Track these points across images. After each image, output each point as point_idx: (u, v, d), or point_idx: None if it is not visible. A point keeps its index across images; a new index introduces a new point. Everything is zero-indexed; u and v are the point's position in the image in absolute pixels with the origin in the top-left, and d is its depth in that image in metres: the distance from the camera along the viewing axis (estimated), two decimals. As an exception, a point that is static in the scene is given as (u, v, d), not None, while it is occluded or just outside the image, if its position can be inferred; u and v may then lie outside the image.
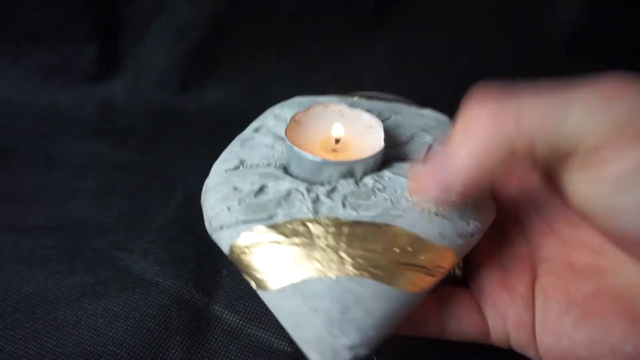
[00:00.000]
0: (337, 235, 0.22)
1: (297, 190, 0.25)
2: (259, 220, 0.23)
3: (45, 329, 0.32)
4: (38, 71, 0.49)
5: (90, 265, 0.36)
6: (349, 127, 0.28)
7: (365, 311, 0.21)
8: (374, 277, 0.21)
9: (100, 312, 0.33)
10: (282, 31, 0.52)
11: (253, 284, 0.23)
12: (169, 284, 0.35)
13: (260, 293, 0.22)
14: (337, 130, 0.28)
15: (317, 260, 0.22)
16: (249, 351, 0.31)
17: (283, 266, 0.22)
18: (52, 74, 0.49)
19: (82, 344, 0.31)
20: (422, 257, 0.22)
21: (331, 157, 0.26)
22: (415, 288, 0.22)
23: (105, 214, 0.41)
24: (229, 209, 0.24)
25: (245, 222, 0.24)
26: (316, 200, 0.24)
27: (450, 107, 0.54)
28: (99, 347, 0.31)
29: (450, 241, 0.23)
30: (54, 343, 0.31)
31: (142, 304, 0.34)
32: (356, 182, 0.25)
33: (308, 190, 0.25)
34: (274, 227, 0.23)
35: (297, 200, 0.24)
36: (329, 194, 0.24)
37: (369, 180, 0.25)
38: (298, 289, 0.21)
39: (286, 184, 0.25)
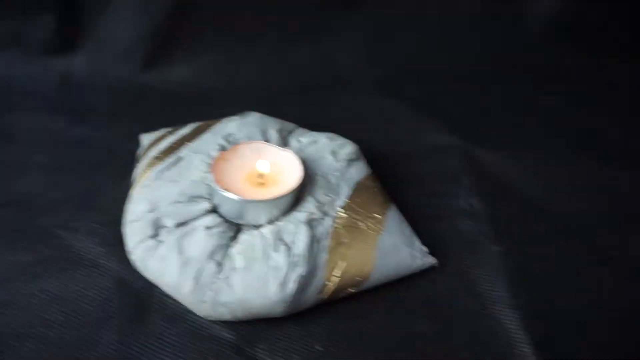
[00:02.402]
0: None
1: None
2: None
3: (-24, 308, 0.30)
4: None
5: (32, 244, 0.35)
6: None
7: None
8: None
9: (35, 292, 0.32)
10: (254, 8, 0.50)
11: None
12: (112, 265, 0.34)
13: None
14: (263, 165, 0.35)
15: None
16: (188, 336, 0.30)
17: None
18: (7, 46, 0.46)
19: (12, 324, 0.30)
20: None
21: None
22: None
23: (55, 191, 0.39)
24: None
25: None
26: None
27: (417, 91, 0.52)
28: (28, 329, 0.29)
29: None
30: (-17, 322, 0.30)
31: (81, 285, 0.32)
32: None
33: None
34: None
35: None
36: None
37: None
38: None
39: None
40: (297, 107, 0.50)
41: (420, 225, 0.38)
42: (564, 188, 0.42)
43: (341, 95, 0.52)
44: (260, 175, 0.34)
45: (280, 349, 0.30)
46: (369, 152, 0.43)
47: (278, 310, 0.30)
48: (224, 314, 0.30)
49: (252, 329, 0.31)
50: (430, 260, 0.34)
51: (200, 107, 0.49)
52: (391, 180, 0.42)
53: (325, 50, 0.53)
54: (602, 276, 0.35)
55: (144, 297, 0.32)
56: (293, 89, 0.52)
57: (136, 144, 0.43)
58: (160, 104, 0.49)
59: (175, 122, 0.47)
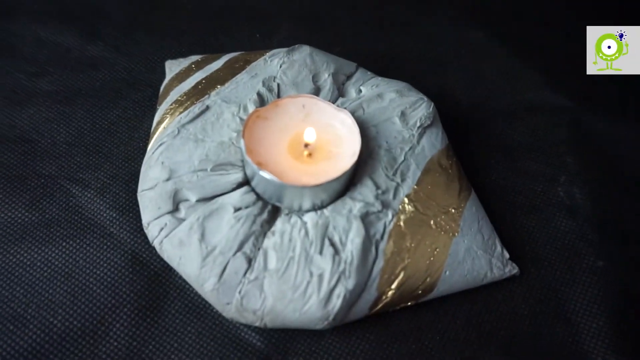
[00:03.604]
0: None
1: None
2: None
3: (-26, 274, 0.27)
4: None
5: (35, 198, 0.29)
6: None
7: None
8: None
9: (38, 263, 0.27)
10: None
11: None
12: (125, 237, 0.28)
13: None
14: (309, 135, 0.26)
15: None
16: (210, 337, 0.26)
17: None
18: None
19: (13, 303, 0.26)
20: None
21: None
22: None
23: (62, 129, 0.33)
24: None
25: None
26: None
27: (516, 22, 0.40)
28: (30, 310, 0.26)
29: None
30: (-19, 296, 0.26)
31: (90, 259, 0.27)
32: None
33: None
34: None
35: None
36: None
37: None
38: None
39: None
40: (355, 29, 0.40)
41: (504, 216, 0.30)
42: None
43: (414, 16, 0.40)
44: (307, 145, 0.27)
45: (317, 367, 0.25)
46: (447, 107, 0.33)
47: (317, 326, 0.24)
48: (252, 320, 0.25)
49: (286, 337, 0.26)
50: (511, 270, 0.27)
51: (237, 24, 0.40)
52: (473, 149, 0.33)
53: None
54: None
55: (160, 281, 0.27)
56: (352, 2, 0.41)
57: (159, 71, 0.35)
58: (191, 16, 0.39)
59: (207, 42, 0.38)
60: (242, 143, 0.26)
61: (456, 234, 0.26)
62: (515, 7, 0.41)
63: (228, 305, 0.25)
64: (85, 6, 0.39)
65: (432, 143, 0.29)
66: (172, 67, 0.34)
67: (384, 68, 0.34)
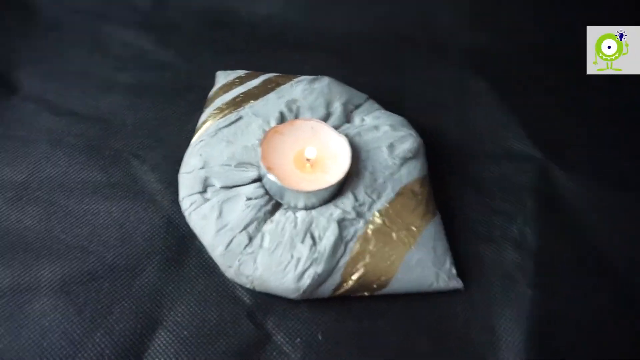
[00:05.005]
0: None
1: None
2: None
3: (56, 213, 0.36)
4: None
5: (106, 165, 0.39)
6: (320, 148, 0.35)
7: None
8: None
9: (102, 213, 0.37)
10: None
11: None
12: (165, 205, 0.37)
13: None
14: (310, 152, 0.34)
15: None
16: (213, 290, 0.34)
17: None
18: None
19: (80, 237, 0.35)
20: None
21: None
22: None
23: (132, 114, 0.42)
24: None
25: None
26: None
27: (511, 75, 0.46)
28: (92, 245, 0.35)
29: None
30: (60, 229, 0.36)
31: (137, 216, 0.37)
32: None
33: None
34: None
35: None
36: None
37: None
38: None
39: None
40: (375, 65, 0.47)
41: (464, 242, 0.37)
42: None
43: (426, 61, 0.47)
44: (308, 159, 0.34)
45: (287, 327, 0.33)
46: (436, 143, 0.40)
47: (291, 295, 0.32)
48: (245, 282, 0.33)
49: (269, 300, 0.34)
50: (455, 284, 0.34)
51: (280, 48, 0.48)
52: (451, 181, 0.40)
53: (424, 5, 0.46)
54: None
55: (185, 242, 0.36)
56: (377, 43, 0.48)
57: (211, 78, 0.44)
58: (245, 37, 0.48)
59: (253, 62, 0.46)
60: (259, 150, 0.34)
61: (412, 247, 0.33)
62: (520, 65, 0.47)
63: (229, 268, 0.33)
64: (163, 18, 0.49)
65: (410, 172, 0.36)
66: (221, 78, 0.43)
67: (389, 102, 0.41)
